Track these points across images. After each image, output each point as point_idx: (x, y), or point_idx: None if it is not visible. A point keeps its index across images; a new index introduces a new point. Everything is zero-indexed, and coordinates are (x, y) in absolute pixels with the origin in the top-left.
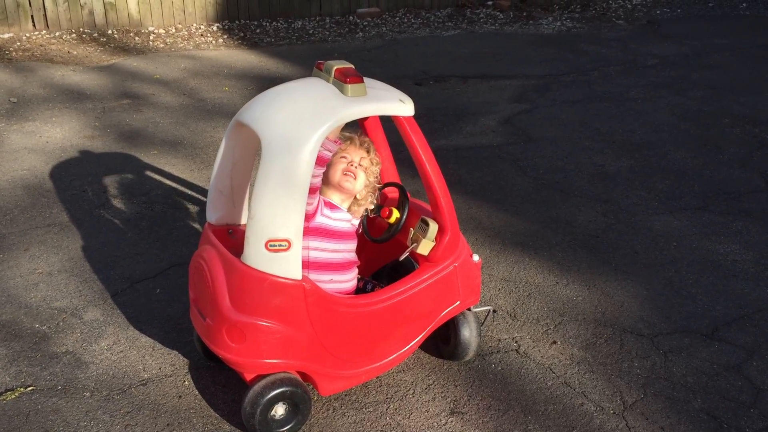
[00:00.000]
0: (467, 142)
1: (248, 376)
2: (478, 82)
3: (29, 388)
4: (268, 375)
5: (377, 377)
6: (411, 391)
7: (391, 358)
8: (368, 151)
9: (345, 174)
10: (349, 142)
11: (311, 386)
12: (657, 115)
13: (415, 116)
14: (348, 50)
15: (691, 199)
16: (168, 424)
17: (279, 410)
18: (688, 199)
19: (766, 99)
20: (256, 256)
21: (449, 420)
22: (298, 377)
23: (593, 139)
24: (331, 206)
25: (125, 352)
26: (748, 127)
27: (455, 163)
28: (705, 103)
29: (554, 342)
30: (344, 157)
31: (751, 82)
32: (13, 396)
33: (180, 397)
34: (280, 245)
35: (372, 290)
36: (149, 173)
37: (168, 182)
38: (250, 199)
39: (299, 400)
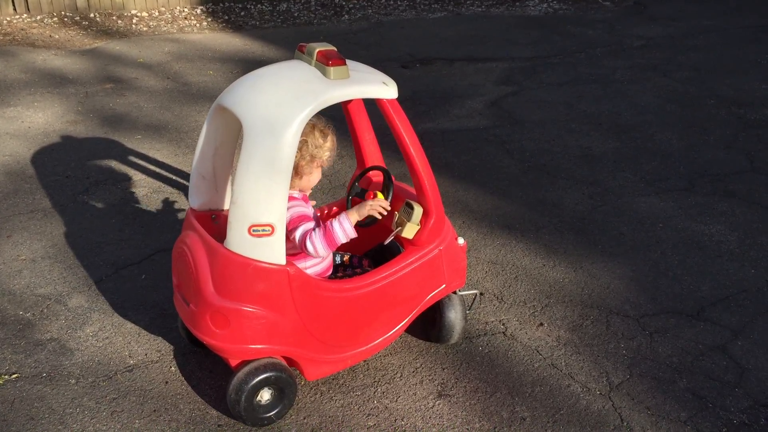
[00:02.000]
0: (454, 125)
1: (233, 362)
2: (465, 64)
3: (14, 376)
4: (252, 361)
5: (364, 361)
6: (398, 375)
7: (376, 342)
8: (327, 139)
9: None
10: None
11: (297, 371)
12: (643, 97)
13: (400, 99)
14: (333, 33)
15: (677, 181)
16: (155, 410)
17: (265, 395)
18: (673, 181)
19: (752, 80)
20: (239, 241)
21: (437, 403)
22: (283, 362)
23: (580, 121)
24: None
25: (111, 339)
26: (734, 109)
27: (442, 146)
28: (691, 85)
29: (541, 324)
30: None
31: (737, 63)
32: None
33: (166, 382)
34: (264, 230)
35: (359, 264)
36: (133, 158)
37: (152, 167)
38: (232, 183)
39: (284, 385)
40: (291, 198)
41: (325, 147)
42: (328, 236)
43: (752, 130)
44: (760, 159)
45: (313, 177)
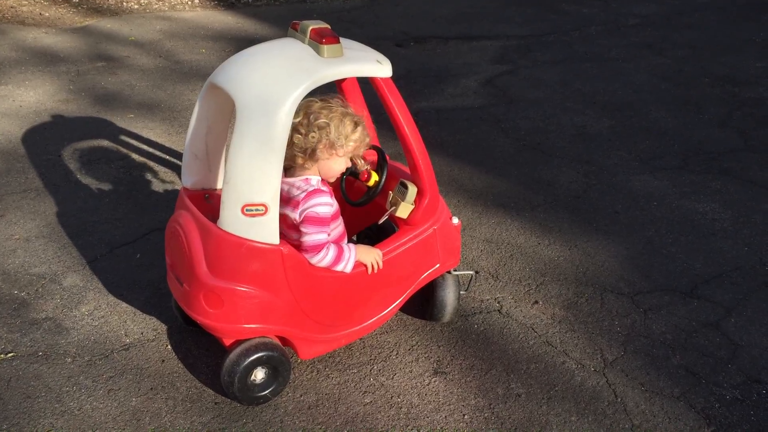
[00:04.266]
0: (448, 104)
1: (227, 341)
2: (459, 43)
3: (9, 355)
4: (243, 341)
5: (360, 339)
6: (394, 353)
7: (370, 321)
8: (356, 131)
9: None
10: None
11: (291, 350)
12: (638, 75)
13: (394, 78)
14: (327, 11)
15: (671, 159)
16: (151, 388)
17: (259, 374)
18: (668, 159)
19: (746, 58)
20: (232, 221)
21: (432, 380)
22: (276, 341)
23: (574, 99)
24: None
25: (106, 318)
26: (728, 87)
27: (436, 125)
28: (685, 63)
29: (536, 302)
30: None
31: (731, 41)
32: None
33: (163, 361)
34: (257, 210)
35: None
36: (126, 137)
37: (145, 146)
38: (225, 163)
39: (277, 364)
40: (318, 191)
41: (351, 138)
42: (338, 258)
43: (746, 108)
44: (754, 137)
45: (334, 165)
